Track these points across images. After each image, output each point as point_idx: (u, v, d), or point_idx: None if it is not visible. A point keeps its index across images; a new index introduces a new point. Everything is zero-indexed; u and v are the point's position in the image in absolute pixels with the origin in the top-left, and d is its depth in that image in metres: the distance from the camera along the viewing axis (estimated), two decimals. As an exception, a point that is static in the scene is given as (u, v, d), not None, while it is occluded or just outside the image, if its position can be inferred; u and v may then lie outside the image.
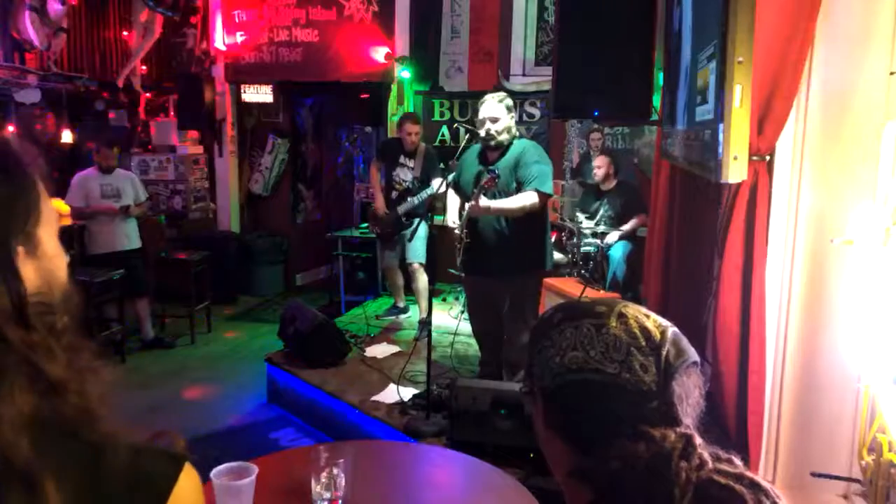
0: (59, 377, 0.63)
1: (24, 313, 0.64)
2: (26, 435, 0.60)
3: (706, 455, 0.75)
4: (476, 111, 3.78)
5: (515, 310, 3.64)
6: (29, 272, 0.66)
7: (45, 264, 0.69)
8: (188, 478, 0.71)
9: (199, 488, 0.74)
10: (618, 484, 0.73)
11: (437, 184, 4.55)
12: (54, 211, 0.72)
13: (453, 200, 3.88)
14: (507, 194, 3.49)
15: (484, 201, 3.40)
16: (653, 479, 0.72)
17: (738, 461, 0.77)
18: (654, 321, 0.82)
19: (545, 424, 0.84)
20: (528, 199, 3.45)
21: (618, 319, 0.81)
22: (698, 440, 0.75)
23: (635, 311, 0.83)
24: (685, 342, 0.81)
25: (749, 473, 0.75)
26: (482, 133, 3.53)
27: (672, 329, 0.82)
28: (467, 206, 3.63)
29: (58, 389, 0.63)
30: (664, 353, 0.78)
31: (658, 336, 0.80)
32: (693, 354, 0.80)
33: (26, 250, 0.67)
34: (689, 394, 0.79)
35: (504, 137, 3.53)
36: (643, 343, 0.79)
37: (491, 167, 3.45)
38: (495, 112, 3.51)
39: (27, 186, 0.70)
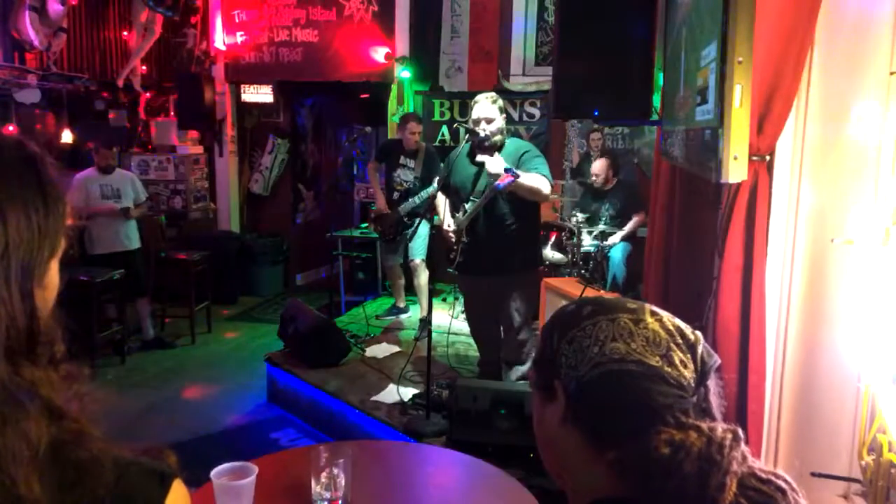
0: (61, 408, 0.63)
1: (34, 348, 0.63)
2: (35, 471, 0.59)
3: (746, 450, 0.75)
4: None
5: (513, 308, 3.65)
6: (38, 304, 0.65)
7: (48, 294, 0.68)
8: (177, 498, 0.68)
9: None
10: (669, 472, 0.72)
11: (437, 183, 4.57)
12: (64, 242, 0.70)
13: (443, 202, 3.88)
14: (511, 192, 3.50)
15: (496, 163, 3.30)
16: (707, 467, 0.71)
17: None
18: (682, 323, 0.82)
19: (564, 417, 0.80)
20: (545, 183, 3.45)
21: (652, 316, 0.81)
22: (741, 434, 0.75)
23: (665, 312, 0.83)
24: (709, 346, 0.82)
25: (782, 473, 0.76)
26: (481, 134, 3.54)
27: (699, 332, 0.82)
28: (467, 206, 3.64)
29: (59, 419, 0.62)
30: (699, 351, 0.79)
31: (692, 336, 0.80)
32: (717, 358, 0.81)
33: (38, 282, 0.65)
34: (717, 396, 0.80)
35: (498, 138, 3.57)
36: (680, 340, 0.79)
37: (508, 168, 3.43)
38: (489, 113, 3.54)
39: (61, 216, 0.68)
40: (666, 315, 0.82)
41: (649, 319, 0.80)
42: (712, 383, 0.79)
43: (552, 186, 3.61)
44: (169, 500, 0.67)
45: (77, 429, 0.63)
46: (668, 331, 0.79)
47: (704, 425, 0.74)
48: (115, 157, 5.53)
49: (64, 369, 0.65)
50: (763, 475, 0.74)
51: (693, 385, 0.77)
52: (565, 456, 0.82)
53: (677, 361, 0.77)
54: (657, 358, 0.77)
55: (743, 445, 0.75)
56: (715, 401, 0.79)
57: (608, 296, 4.27)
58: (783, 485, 0.74)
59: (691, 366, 0.78)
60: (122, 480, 0.64)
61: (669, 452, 0.72)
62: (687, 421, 0.74)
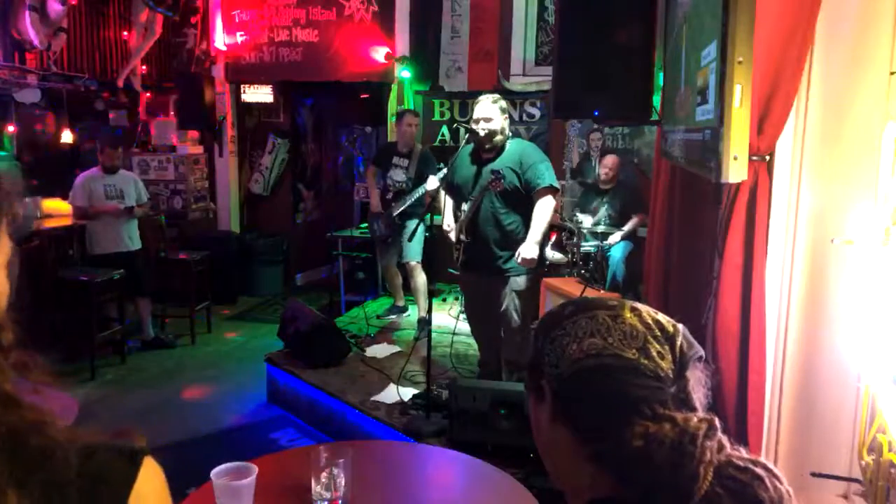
0: (14, 395, 0.63)
1: None
2: None
3: (724, 439, 0.76)
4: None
5: (514, 308, 3.65)
6: None
7: None
8: (149, 475, 0.67)
9: (163, 485, 0.70)
10: (642, 463, 0.72)
11: (431, 182, 4.56)
12: (7, 243, 0.71)
13: (447, 203, 3.90)
14: (511, 192, 3.51)
15: (529, 248, 3.44)
16: (679, 458, 0.72)
17: (744, 452, 0.78)
18: (663, 316, 0.83)
19: (553, 416, 0.82)
20: (549, 206, 3.53)
21: (631, 311, 0.82)
22: (718, 424, 0.76)
23: (645, 306, 0.84)
24: (692, 337, 0.83)
25: (762, 459, 0.76)
26: (480, 133, 3.55)
27: (681, 324, 0.83)
28: (465, 205, 3.64)
29: (14, 407, 0.62)
30: (678, 343, 0.79)
31: (671, 328, 0.81)
32: (700, 349, 0.81)
33: None
34: (700, 386, 0.80)
35: (498, 138, 3.56)
36: (658, 333, 0.79)
37: (495, 168, 3.46)
38: (488, 112, 3.54)
39: (4, 223, 0.69)
40: (646, 309, 0.83)
41: (627, 314, 0.81)
42: (693, 374, 0.79)
43: (557, 190, 3.62)
44: (141, 477, 0.66)
45: (36, 418, 0.63)
46: (645, 324, 0.80)
47: (679, 416, 0.75)
48: (120, 157, 5.53)
49: (14, 357, 0.66)
50: (741, 463, 0.74)
51: (672, 376, 0.77)
52: (558, 455, 0.83)
53: (654, 353, 0.78)
54: (633, 351, 0.78)
55: (720, 434, 0.75)
56: (697, 391, 0.79)
57: (608, 295, 4.28)
58: (761, 472, 0.74)
59: (669, 357, 0.78)
60: (90, 462, 0.64)
61: (642, 444, 0.73)
62: (663, 412, 0.75)
